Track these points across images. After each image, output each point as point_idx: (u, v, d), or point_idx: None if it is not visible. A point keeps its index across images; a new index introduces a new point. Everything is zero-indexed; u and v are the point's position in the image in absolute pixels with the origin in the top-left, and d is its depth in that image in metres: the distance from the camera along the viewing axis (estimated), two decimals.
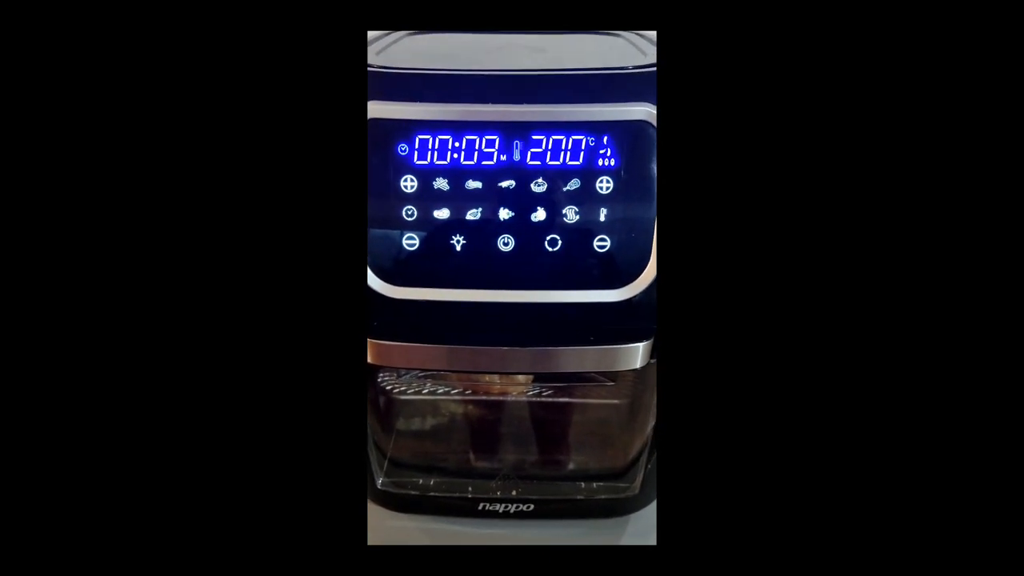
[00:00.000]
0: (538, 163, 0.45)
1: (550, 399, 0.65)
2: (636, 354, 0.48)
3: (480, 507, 0.60)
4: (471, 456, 0.68)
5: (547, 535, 0.62)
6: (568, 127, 0.44)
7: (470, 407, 0.67)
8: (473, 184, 0.45)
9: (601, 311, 0.47)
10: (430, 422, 0.68)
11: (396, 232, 0.46)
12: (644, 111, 0.44)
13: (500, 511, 0.60)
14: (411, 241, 0.46)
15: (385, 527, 0.63)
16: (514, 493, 0.62)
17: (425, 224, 0.46)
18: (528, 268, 0.46)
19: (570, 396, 0.65)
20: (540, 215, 0.45)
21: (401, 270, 0.46)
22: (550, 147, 0.44)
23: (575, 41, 0.54)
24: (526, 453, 0.67)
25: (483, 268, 0.46)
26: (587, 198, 0.45)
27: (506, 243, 0.46)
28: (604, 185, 0.45)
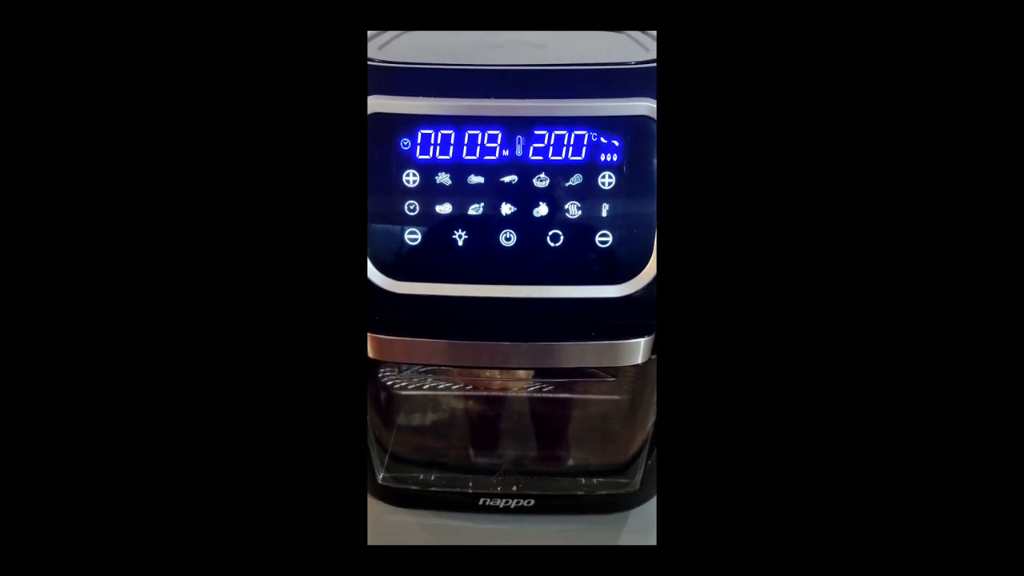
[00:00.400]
0: (540, 158, 0.45)
1: (551, 395, 0.65)
2: (637, 350, 0.48)
3: (481, 502, 0.61)
4: (472, 451, 0.68)
5: (547, 530, 0.63)
6: (571, 122, 0.44)
7: (471, 402, 0.67)
8: (475, 179, 0.45)
9: (603, 307, 0.47)
10: (431, 417, 0.68)
11: (398, 227, 0.46)
12: (646, 106, 0.44)
13: (501, 506, 0.60)
14: (413, 236, 0.46)
15: (386, 522, 0.63)
16: (515, 488, 0.62)
17: (427, 219, 0.46)
18: (530, 263, 0.46)
19: (571, 392, 0.65)
20: (542, 210, 0.45)
21: (403, 265, 0.46)
22: (552, 142, 0.44)
23: (577, 37, 0.54)
24: (527, 449, 0.68)
25: (485, 263, 0.46)
26: (589, 193, 0.45)
27: (508, 238, 0.46)
28: (606, 180, 0.45)
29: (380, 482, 0.62)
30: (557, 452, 0.68)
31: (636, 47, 0.49)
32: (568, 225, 0.46)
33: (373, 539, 0.57)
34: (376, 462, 0.61)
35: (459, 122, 0.44)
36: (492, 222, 0.46)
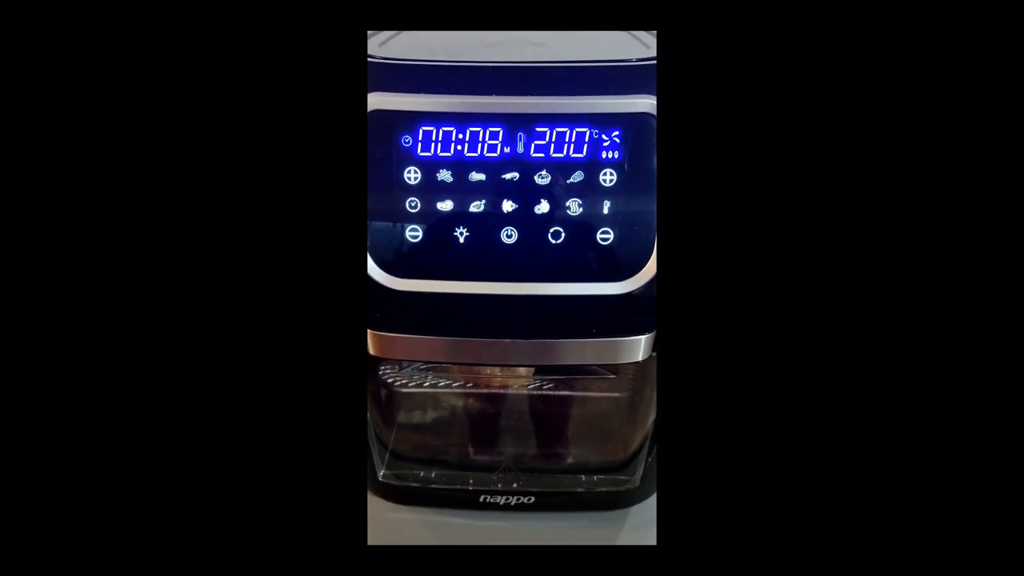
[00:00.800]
0: (542, 155, 0.45)
1: (551, 392, 0.65)
2: (638, 347, 0.48)
3: (481, 499, 0.61)
4: (472, 449, 0.68)
5: (547, 527, 0.63)
6: (572, 119, 0.44)
7: (471, 400, 0.67)
8: (476, 176, 0.45)
9: (603, 304, 0.47)
10: (431, 415, 0.68)
11: (399, 224, 0.46)
12: (647, 103, 0.44)
13: (501, 503, 0.60)
14: (414, 233, 0.46)
15: (386, 519, 0.63)
16: (515, 486, 0.62)
17: (428, 216, 0.46)
18: (531, 260, 0.46)
19: (571, 389, 0.65)
20: (543, 207, 0.45)
21: (404, 262, 0.46)
22: (554, 139, 0.44)
23: (578, 34, 0.54)
24: (527, 446, 0.68)
25: (486, 260, 0.46)
26: (590, 191, 0.45)
27: (509, 235, 0.46)
28: (607, 178, 0.45)
29: (380, 479, 0.62)
30: (557, 449, 0.68)
31: (637, 44, 0.49)
32: (569, 222, 0.46)
33: (373, 536, 0.57)
34: (376, 459, 0.61)
35: (460, 119, 0.44)
36: (493, 219, 0.46)
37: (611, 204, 0.45)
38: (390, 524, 0.63)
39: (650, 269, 0.46)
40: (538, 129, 0.44)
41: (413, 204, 0.45)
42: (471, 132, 0.44)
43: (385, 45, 0.48)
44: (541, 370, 0.63)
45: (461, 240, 0.46)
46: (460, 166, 0.45)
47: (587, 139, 0.44)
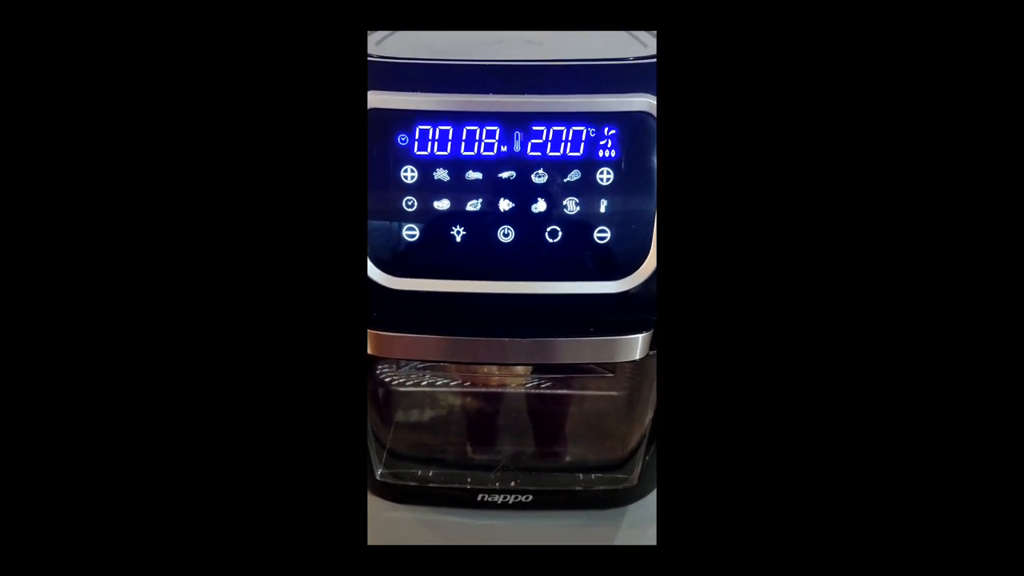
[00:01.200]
0: (538, 154, 0.45)
1: (549, 391, 0.65)
2: (635, 346, 0.48)
3: (479, 498, 0.61)
4: (470, 447, 0.68)
5: (545, 526, 0.63)
6: (569, 118, 0.44)
7: (469, 398, 0.67)
8: (473, 175, 0.45)
9: (600, 302, 0.47)
10: (429, 413, 0.68)
11: (396, 223, 0.46)
12: (644, 102, 0.44)
13: (499, 502, 0.60)
14: (411, 232, 0.46)
15: (384, 518, 0.63)
16: (513, 484, 0.62)
17: (425, 215, 0.46)
18: (528, 259, 0.46)
19: (569, 388, 0.65)
20: (540, 206, 0.45)
21: (401, 261, 0.46)
22: (550, 138, 0.44)
23: (574, 32, 0.54)
24: (525, 444, 0.68)
25: (483, 259, 0.46)
26: (587, 189, 0.45)
27: (506, 234, 0.46)
28: (604, 176, 0.45)
29: (378, 478, 0.62)
30: (555, 448, 0.68)
31: (634, 43, 0.49)
32: (566, 221, 0.46)
33: (371, 535, 0.57)
34: (374, 458, 0.61)
35: (457, 118, 0.44)
36: (490, 218, 0.45)
37: (608, 203, 0.45)
38: (388, 523, 0.63)
39: (647, 268, 0.46)
40: (535, 128, 0.44)
41: (410, 203, 0.45)
42: (468, 131, 0.44)
43: (382, 44, 0.48)
44: (538, 369, 0.63)
45: (458, 239, 0.46)
46: (457, 165, 0.45)
47: (584, 138, 0.44)
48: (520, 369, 0.63)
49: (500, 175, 0.45)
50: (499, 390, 0.66)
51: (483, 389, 0.66)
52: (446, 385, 0.66)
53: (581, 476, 0.64)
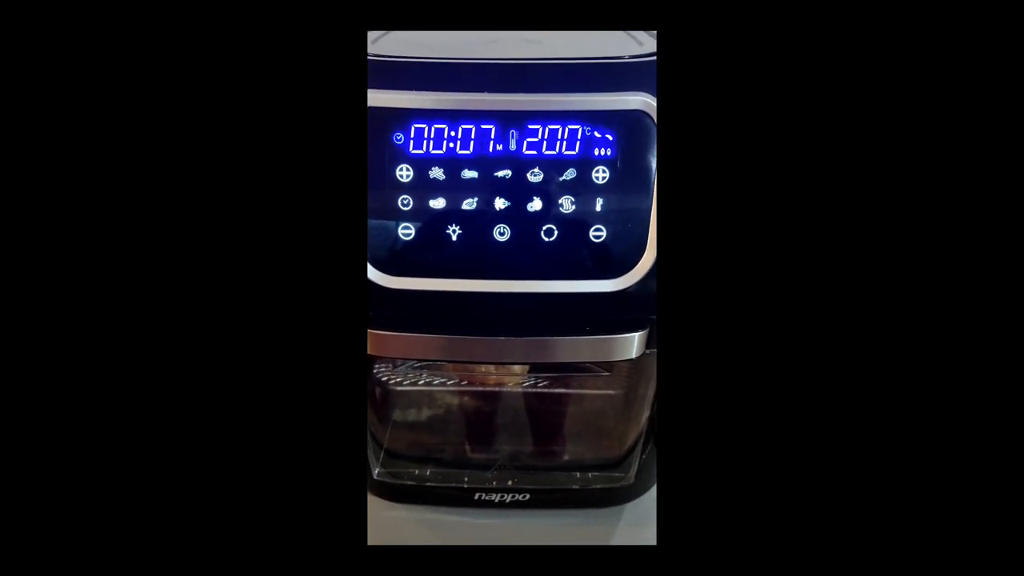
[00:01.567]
0: (534, 153, 0.45)
1: (546, 389, 0.65)
2: (632, 344, 0.48)
3: (476, 497, 0.61)
4: (467, 447, 0.68)
5: (543, 524, 0.63)
6: (565, 116, 0.44)
7: (466, 398, 0.67)
8: (469, 174, 0.45)
9: (597, 301, 0.47)
10: (426, 413, 0.68)
11: (392, 222, 0.46)
12: (641, 101, 0.44)
13: (496, 501, 0.60)
14: (407, 231, 0.46)
15: (382, 518, 0.63)
16: (510, 483, 0.62)
17: (421, 214, 0.46)
18: (524, 258, 0.46)
19: (566, 386, 0.65)
20: (536, 205, 0.45)
21: (397, 260, 0.46)
22: (546, 136, 0.44)
23: (571, 31, 0.54)
24: (522, 443, 0.68)
25: (479, 258, 0.46)
26: (583, 188, 0.45)
27: (502, 233, 0.46)
28: (600, 175, 0.45)
29: (376, 478, 0.62)
30: (552, 447, 0.69)
31: (631, 42, 0.49)
32: (562, 220, 0.45)
33: (369, 535, 0.57)
34: (372, 458, 0.61)
35: (453, 116, 0.44)
36: (487, 217, 0.45)
37: (604, 201, 0.45)
38: (385, 522, 0.63)
39: (643, 266, 0.46)
40: (530, 126, 0.44)
41: (405, 202, 0.45)
42: (463, 129, 0.44)
43: (378, 42, 0.48)
44: (535, 368, 0.63)
45: (454, 238, 0.46)
46: (452, 163, 0.45)
47: (580, 136, 0.44)
48: (517, 368, 0.63)
49: (496, 174, 0.45)
50: (496, 389, 0.66)
51: (480, 388, 0.66)
52: (443, 384, 0.65)
53: (578, 475, 0.64)
